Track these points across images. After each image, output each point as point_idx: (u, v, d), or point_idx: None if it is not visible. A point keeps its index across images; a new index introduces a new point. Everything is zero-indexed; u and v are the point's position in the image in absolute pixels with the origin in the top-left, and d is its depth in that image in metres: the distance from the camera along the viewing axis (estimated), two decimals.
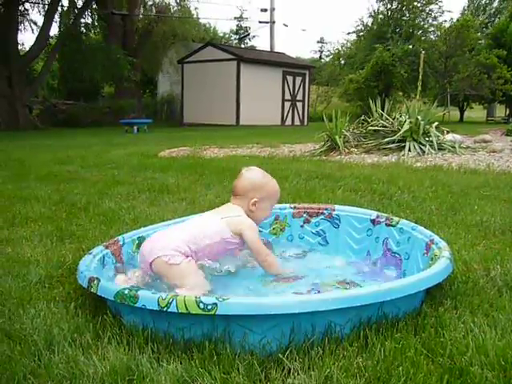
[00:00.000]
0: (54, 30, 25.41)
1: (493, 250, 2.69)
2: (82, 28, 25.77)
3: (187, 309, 1.64)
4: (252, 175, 2.52)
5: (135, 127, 17.69)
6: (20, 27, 23.30)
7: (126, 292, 1.76)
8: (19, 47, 22.99)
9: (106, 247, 2.41)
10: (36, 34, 23.06)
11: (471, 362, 1.52)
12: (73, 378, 1.50)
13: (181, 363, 1.57)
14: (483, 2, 43.53)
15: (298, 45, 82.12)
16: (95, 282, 1.90)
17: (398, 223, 2.62)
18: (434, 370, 1.51)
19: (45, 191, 4.68)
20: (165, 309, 1.66)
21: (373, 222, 2.76)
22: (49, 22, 21.92)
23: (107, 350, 1.65)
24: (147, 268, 2.23)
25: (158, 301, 1.68)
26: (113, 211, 3.77)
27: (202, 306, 1.63)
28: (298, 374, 1.51)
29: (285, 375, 1.52)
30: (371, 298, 1.73)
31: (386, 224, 2.68)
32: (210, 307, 1.62)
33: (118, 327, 1.80)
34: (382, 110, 9.16)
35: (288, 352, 1.61)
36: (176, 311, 1.65)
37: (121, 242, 2.52)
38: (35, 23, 25.16)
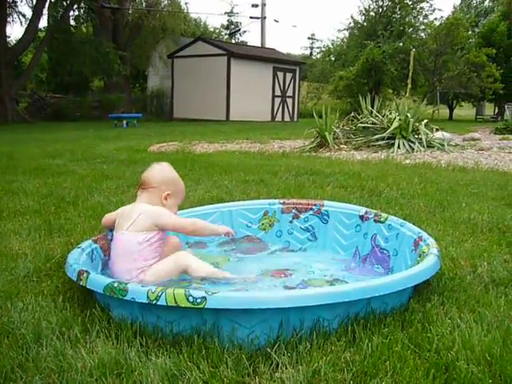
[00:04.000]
0: (43, 23, 25.18)
1: (480, 246, 2.72)
2: (72, 21, 25.59)
3: (176, 302, 1.64)
4: (165, 169, 2.49)
5: (124, 121, 17.61)
6: (8, 19, 23.08)
7: (116, 285, 1.76)
8: (7, 39, 22.76)
9: (95, 241, 2.40)
10: (24, 26, 22.87)
11: (457, 356, 1.54)
12: (61, 372, 1.50)
13: (169, 357, 1.57)
14: (474, 1, 43.76)
15: (288, 41, 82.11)
16: (84, 274, 1.90)
17: (386, 219, 2.64)
18: (421, 364, 1.53)
19: (33, 185, 4.66)
20: (154, 302, 1.66)
21: (361, 218, 2.77)
22: (37, 14, 21.72)
23: (96, 343, 1.65)
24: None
25: (148, 294, 1.68)
26: (102, 205, 3.76)
27: (191, 299, 1.63)
28: (286, 368, 1.52)
29: (273, 369, 1.53)
30: (360, 294, 1.74)
31: (374, 220, 2.69)
32: (199, 301, 1.62)
33: (106, 321, 1.80)
34: (372, 107, 9.20)
35: (276, 346, 1.62)
36: (165, 304, 1.65)
37: (109, 237, 2.51)
38: (24, 15, 24.94)
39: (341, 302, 1.70)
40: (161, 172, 2.46)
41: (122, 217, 2.35)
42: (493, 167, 6.14)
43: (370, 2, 34.36)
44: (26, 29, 21.64)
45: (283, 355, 1.58)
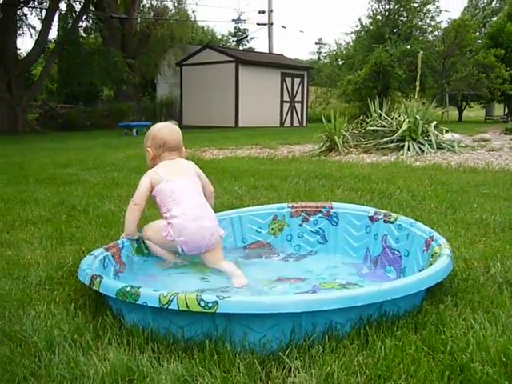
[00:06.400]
0: (53, 34, 25.47)
1: (493, 247, 2.69)
2: (81, 32, 25.82)
3: (188, 306, 1.64)
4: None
5: (134, 130, 17.69)
6: (19, 32, 23.32)
7: (128, 289, 1.77)
8: (18, 52, 23.00)
9: (107, 249, 2.41)
10: (34, 38, 23.11)
11: (472, 358, 1.52)
12: (73, 379, 1.50)
13: (181, 362, 1.57)
14: (481, 2, 43.64)
15: (296, 46, 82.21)
16: (97, 279, 1.91)
17: (396, 219, 2.62)
18: (435, 366, 1.51)
19: (44, 194, 4.68)
20: (166, 306, 1.66)
21: (371, 218, 2.75)
22: (47, 26, 21.92)
23: (107, 350, 1.65)
24: (209, 240, 2.49)
25: (159, 298, 1.68)
26: (113, 213, 3.77)
27: (202, 303, 1.62)
28: (299, 372, 1.51)
29: (285, 374, 1.52)
30: (372, 298, 1.72)
31: (384, 221, 2.68)
32: (210, 305, 1.62)
33: (118, 327, 1.80)
34: (381, 110, 9.16)
35: (288, 350, 1.61)
36: (177, 309, 1.65)
37: (120, 245, 2.51)
38: (34, 28, 25.17)
39: (354, 306, 1.69)
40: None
41: (192, 175, 2.70)
42: (504, 167, 6.09)
43: (377, 6, 34.33)
44: (35, 41, 21.84)
45: (296, 359, 1.57)
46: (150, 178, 2.59)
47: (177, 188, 2.55)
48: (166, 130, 2.73)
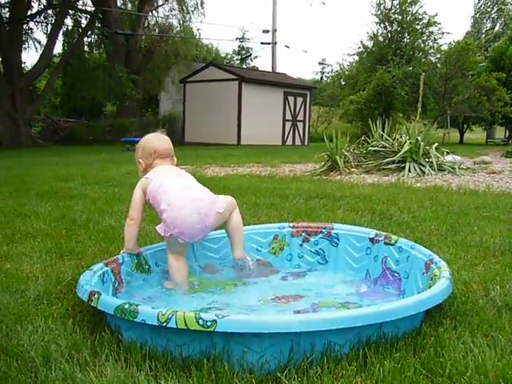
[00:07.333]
0: (58, 49, 25.71)
1: (492, 270, 2.68)
2: (86, 47, 26.08)
3: (186, 325, 1.63)
4: None
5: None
6: (24, 46, 23.57)
7: (126, 306, 1.76)
8: (22, 65, 23.21)
9: (106, 265, 2.41)
10: (39, 52, 23.33)
11: (471, 382, 1.51)
12: None
13: (179, 381, 1.56)
14: (484, 27, 44.13)
15: (299, 66, 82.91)
16: (96, 295, 1.90)
17: (396, 242, 2.62)
18: None
19: (45, 208, 4.69)
20: (164, 324, 1.66)
21: (372, 240, 2.75)
22: (52, 40, 22.18)
23: (104, 366, 1.64)
24: (206, 221, 2.43)
25: (158, 316, 1.67)
26: (113, 228, 3.77)
27: (201, 322, 1.62)
28: None
29: None
30: (371, 319, 1.72)
31: (384, 243, 2.67)
32: (209, 324, 1.61)
33: (115, 344, 1.79)
34: (383, 130, 9.21)
35: (287, 371, 1.60)
36: (175, 327, 1.64)
37: (120, 261, 2.51)
38: (39, 42, 25.48)
39: (353, 326, 1.68)
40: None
41: (185, 175, 2.73)
42: (504, 190, 6.09)
43: (378, 27, 34.66)
44: (40, 55, 22.08)
45: (294, 380, 1.56)
46: (141, 186, 2.61)
47: (165, 181, 2.54)
48: (155, 138, 2.78)
